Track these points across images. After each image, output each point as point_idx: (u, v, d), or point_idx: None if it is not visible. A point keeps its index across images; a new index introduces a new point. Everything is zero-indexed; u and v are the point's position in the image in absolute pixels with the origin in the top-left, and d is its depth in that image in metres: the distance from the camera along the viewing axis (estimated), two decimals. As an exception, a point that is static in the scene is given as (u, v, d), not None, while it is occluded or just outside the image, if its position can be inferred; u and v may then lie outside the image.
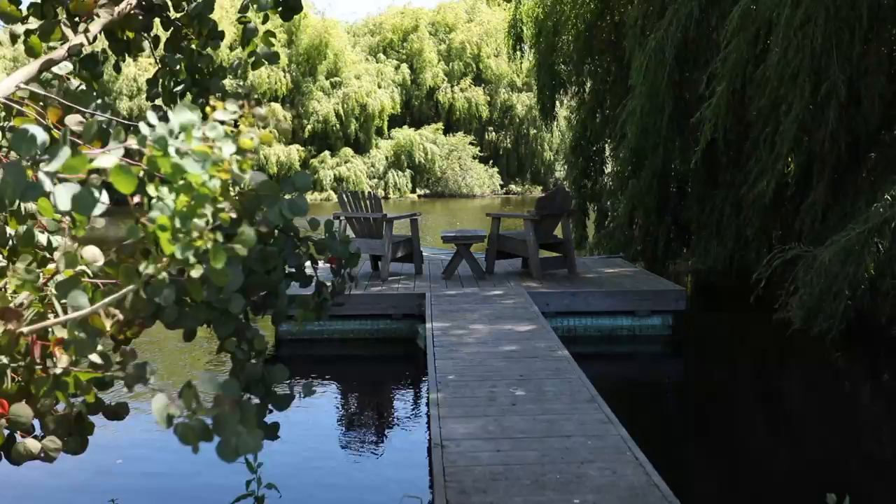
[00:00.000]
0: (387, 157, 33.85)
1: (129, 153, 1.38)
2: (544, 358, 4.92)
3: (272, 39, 2.56)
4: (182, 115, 1.29)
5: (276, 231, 1.76)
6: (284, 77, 32.36)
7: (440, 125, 35.57)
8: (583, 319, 7.07)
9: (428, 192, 34.33)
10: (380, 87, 34.79)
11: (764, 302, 6.91)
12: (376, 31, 39.01)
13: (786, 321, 6.35)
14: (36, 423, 1.70)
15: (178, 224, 1.25)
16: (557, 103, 13.43)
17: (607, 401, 4.11)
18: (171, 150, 1.25)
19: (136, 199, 1.33)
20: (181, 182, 1.26)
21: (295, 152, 31.74)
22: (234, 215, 1.39)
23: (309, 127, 32.54)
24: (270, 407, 1.78)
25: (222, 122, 1.34)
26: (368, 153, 33.70)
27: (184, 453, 1.25)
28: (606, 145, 12.33)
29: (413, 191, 34.05)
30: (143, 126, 1.28)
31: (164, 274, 1.37)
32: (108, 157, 1.25)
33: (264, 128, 1.45)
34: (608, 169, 12.45)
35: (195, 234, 1.27)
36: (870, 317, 6.58)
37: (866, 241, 5.75)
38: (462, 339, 5.47)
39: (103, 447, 4.24)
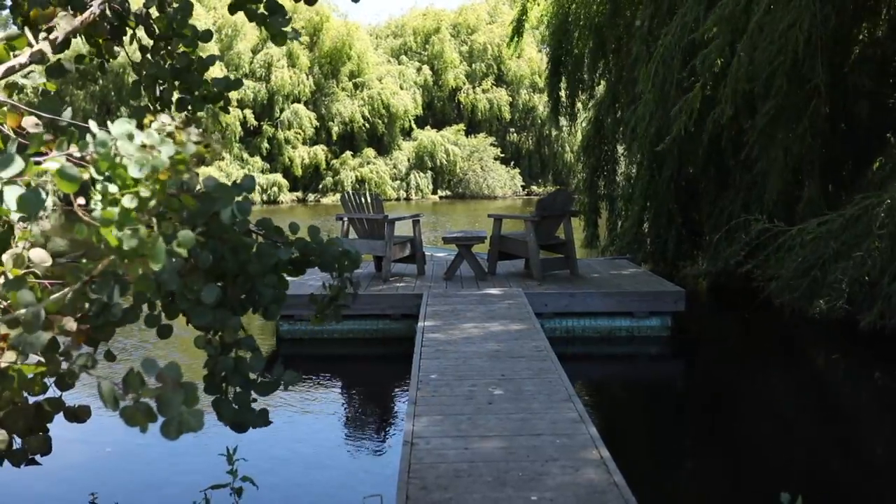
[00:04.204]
0: (409, 159, 34.01)
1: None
2: (529, 358, 4.95)
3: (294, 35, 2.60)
4: (121, 126, 1.38)
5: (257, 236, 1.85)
6: (308, 79, 32.68)
7: (462, 126, 35.63)
8: (581, 320, 7.08)
9: (449, 193, 34.42)
10: (402, 88, 34.99)
11: (768, 304, 6.88)
12: (398, 34, 39.21)
13: (767, 299, 6.31)
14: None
15: (122, 217, 1.34)
16: (579, 104, 13.46)
17: (594, 401, 4.16)
18: (112, 154, 1.34)
19: (81, 200, 1.43)
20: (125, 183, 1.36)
21: (321, 152, 32.13)
22: (177, 223, 1.48)
23: (335, 129, 32.84)
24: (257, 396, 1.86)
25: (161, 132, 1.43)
26: (391, 154, 33.90)
27: (164, 445, 1.33)
28: (619, 146, 12.30)
29: (434, 192, 34.17)
30: (88, 136, 1.37)
31: (107, 270, 1.46)
32: (52, 162, 1.35)
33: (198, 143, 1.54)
34: (621, 168, 12.42)
35: (139, 225, 1.35)
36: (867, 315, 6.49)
37: (843, 227, 5.70)
38: (451, 339, 5.52)
39: (92, 437, 4.39)
